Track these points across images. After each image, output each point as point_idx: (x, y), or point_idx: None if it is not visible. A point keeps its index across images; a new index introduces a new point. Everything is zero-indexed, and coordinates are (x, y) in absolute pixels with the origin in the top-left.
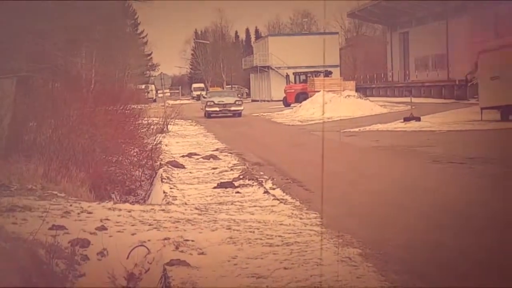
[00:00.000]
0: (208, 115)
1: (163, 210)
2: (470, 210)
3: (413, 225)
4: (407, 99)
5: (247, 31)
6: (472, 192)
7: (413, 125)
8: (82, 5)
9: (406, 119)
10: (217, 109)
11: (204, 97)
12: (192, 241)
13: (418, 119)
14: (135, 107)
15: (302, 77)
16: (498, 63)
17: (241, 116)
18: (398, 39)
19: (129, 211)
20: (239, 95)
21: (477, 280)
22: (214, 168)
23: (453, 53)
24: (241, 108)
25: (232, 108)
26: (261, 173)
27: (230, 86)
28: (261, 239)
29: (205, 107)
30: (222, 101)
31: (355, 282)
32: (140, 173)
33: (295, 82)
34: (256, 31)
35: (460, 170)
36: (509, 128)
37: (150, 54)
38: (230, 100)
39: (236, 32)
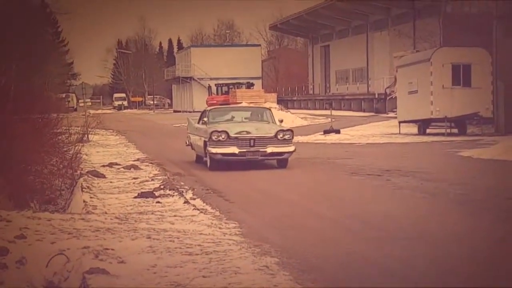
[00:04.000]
0: (213, 162)
1: (83, 219)
2: (385, 222)
3: (330, 235)
4: (328, 112)
5: (170, 41)
6: (388, 204)
7: (333, 138)
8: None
9: (326, 132)
10: (236, 150)
11: (202, 123)
12: (112, 249)
13: (337, 131)
14: (55, 116)
15: (224, 88)
16: (416, 77)
17: (286, 167)
18: (319, 52)
19: (49, 220)
20: (279, 120)
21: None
22: (135, 178)
23: (373, 67)
24: (291, 149)
25: (270, 149)
26: (182, 183)
27: (152, 96)
28: (180, 248)
29: (205, 144)
30: (248, 133)
31: None
32: (60, 182)
33: (217, 94)
34: (179, 42)
35: (377, 182)
36: (426, 141)
37: (71, 63)
38: (266, 130)
39: (160, 43)
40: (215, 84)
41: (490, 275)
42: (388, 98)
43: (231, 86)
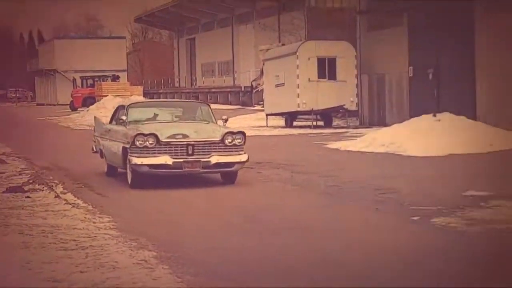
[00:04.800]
0: (136, 177)
1: None
2: (261, 215)
3: (208, 228)
4: None
5: (30, 33)
6: (261, 197)
7: None
8: None
9: None
10: (170, 160)
11: (118, 123)
12: None
13: None
14: None
15: (90, 81)
16: (283, 71)
17: (234, 182)
18: (185, 45)
19: None
20: (223, 118)
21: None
22: (1, 173)
23: (239, 60)
24: (243, 158)
25: (215, 159)
26: (51, 177)
27: (13, 89)
28: (55, 243)
29: (125, 152)
30: (185, 136)
31: (151, 283)
32: None
33: (82, 86)
34: (40, 33)
35: (249, 175)
36: (293, 134)
37: None
38: (208, 132)
39: (21, 34)
40: (80, 77)
41: (364, 263)
42: (254, 91)
43: (96, 79)
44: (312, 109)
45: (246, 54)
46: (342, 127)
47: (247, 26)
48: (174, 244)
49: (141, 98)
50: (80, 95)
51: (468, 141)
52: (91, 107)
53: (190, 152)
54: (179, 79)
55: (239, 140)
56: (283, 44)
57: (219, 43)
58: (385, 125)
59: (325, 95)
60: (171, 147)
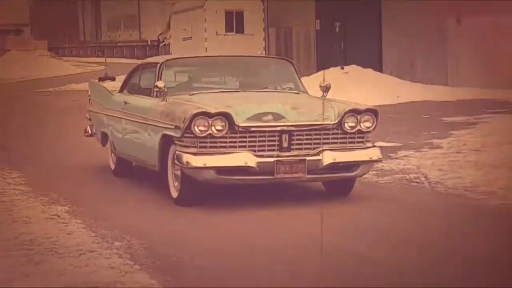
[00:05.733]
0: (188, 188)
1: None
2: None
3: (119, 185)
4: (101, 59)
5: None
6: None
7: (108, 85)
8: None
9: (101, 79)
10: (253, 159)
11: (145, 91)
12: None
13: (113, 79)
14: None
15: None
16: (190, 24)
17: (348, 194)
18: None
19: None
20: (324, 86)
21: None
22: None
23: (145, 14)
24: (373, 154)
25: (330, 157)
26: None
27: None
28: None
29: (167, 144)
30: (277, 117)
31: (65, 238)
32: None
33: None
34: None
35: None
36: None
37: None
38: (314, 110)
39: None
40: None
41: (273, 213)
42: (161, 44)
43: None
44: None
45: (153, 8)
46: None
47: None
48: (86, 199)
49: (45, 52)
50: None
51: (375, 93)
52: None
53: (285, 144)
54: (84, 33)
55: (367, 124)
56: None
57: None
58: None
59: (233, 49)
60: (254, 137)
